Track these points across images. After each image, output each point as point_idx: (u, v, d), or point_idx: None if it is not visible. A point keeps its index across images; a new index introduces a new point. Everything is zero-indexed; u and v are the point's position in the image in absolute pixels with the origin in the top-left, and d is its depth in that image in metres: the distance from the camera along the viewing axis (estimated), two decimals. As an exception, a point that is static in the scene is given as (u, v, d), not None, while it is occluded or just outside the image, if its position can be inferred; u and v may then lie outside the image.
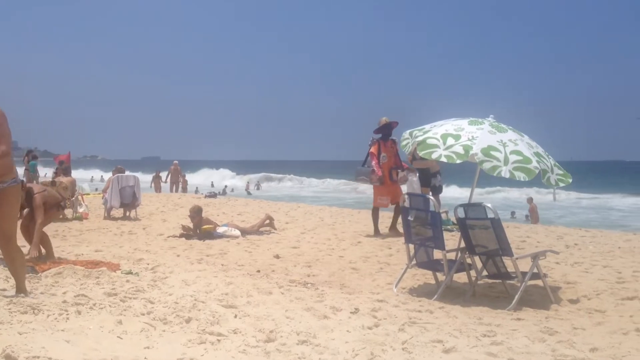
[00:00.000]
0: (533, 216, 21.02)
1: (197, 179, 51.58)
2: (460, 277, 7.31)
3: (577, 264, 8.63)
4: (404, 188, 11.75)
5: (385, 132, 11.31)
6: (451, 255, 6.99)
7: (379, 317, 5.50)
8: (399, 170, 11.43)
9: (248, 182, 54.88)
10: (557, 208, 32.64)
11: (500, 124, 6.96)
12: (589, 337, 5.18)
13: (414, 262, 7.09)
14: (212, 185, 46.36)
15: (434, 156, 6.68)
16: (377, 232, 11.27)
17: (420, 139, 6.86)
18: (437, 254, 6.98)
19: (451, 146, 6.55)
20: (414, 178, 11.82)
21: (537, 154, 6.70)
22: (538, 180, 6.68)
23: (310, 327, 4.98)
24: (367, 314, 5.60)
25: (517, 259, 6.52)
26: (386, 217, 12.12)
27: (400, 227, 10.79)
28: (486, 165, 6.39)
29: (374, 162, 11.08)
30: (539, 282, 6.83)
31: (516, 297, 6.33)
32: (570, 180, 6.99)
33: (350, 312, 5.60)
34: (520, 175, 6.34)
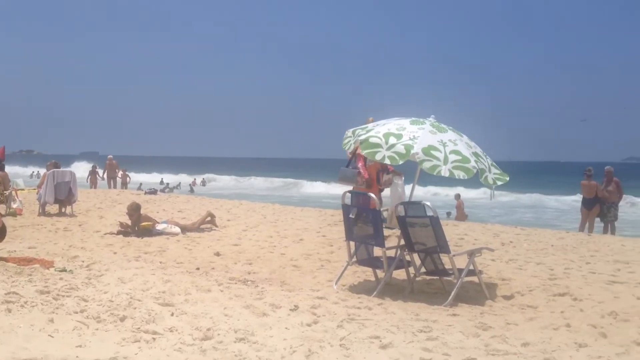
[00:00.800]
0: (459, 212, 21.22)
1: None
2: (400, 274, 7.41)
3: (511, 261, 8.87)
4: (387, 191, 11.20)
5: None
6: (391, 253, 7.08)
7: (318, 314, 5.53)
8: (385, 173, 10.82)
9: (195, 179, 54.19)
10: (495, 207, 33.43)
11: (440, 124, 7.09)
12: (521, 332, 5.33)
13: (354, 259, 7.15)
14: (162, 183, 45.40)
15: (377, 157, 6.75)
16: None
17: (362, 137, 6.91)
18: (377, 251, 7.05)
19: (393, 145, 6.62)
20: (399, 181, 11.20)
21: (475, 154, 6.85)
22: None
23: (248, 324, 4.97)
24: (307, 311, 5.62)
25: (454, 256, 6.65)
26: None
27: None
28: (426, 165, 6.50)
29: (360, 164, 10.44)
30: (475, 279, 6.99)
31: (452, 293, 6.46)
32: (508, 179, 7.17)
33: (290, 310, 5.60)
34: (460, 174, 6.47)
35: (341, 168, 10.68)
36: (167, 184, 43.71)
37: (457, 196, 22.40)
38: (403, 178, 11.18)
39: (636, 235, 15.33)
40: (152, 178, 52.53)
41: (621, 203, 16.41)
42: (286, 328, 4.93)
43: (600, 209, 15.62)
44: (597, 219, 15.85)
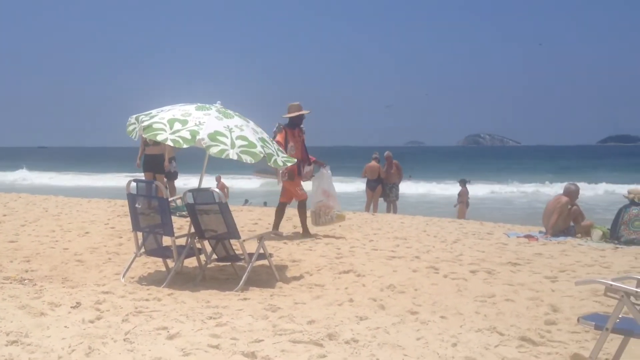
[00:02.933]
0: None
1: None
2: (191, 262, 7.30)
3: (302, 243, 9.18)
4: (308, 185, 10.29)
5: (296, 120, 9.82)
6: (181, 241, 6.94)
7: (103, 309, 5.27)
8: (306, 164, 9.93)
9: None
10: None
11: (227, 110, 7.05)
12: (308, 310, 5.51)
13: (142, 250, 6.90)
14: None
15: (159, 138, 6.49)
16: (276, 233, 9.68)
17: (146, 123, 6.63)
18: (167, 241, 6.88)
19: (178, 131, 6.44)
20: (324, 170, 10.12)
21: (262, 139, 6.91)
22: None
23: (22, 326, 4.61)
24: (90, 307, 5.33)
25: (244, 241, 6.68)
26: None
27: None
28: (213, 150, 6.41)
29: None
30: (267, 262, 7.09)
31: (243, 278, 6.48)
32: (295, 160, 7.36)
33: (71, 307, 5.29)
34: (247, 158, 6.49)
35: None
36: None
37: (218, 178, 21.46)
38: (329, 169, 10.23)
39: (415, 213, 16.68)
40: None
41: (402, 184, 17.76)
42: (65, 327, 4.63)
43: (383, 190, 16.77)
44: (381, 199, 17.02)
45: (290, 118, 9.78)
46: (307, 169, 9.93)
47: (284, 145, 9.47)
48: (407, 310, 5.60)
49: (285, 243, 9.06)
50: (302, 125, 9.91)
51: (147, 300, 5.77)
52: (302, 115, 9.85)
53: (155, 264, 7.48)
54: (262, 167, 9.50)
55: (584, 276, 7.12)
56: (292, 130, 9.77)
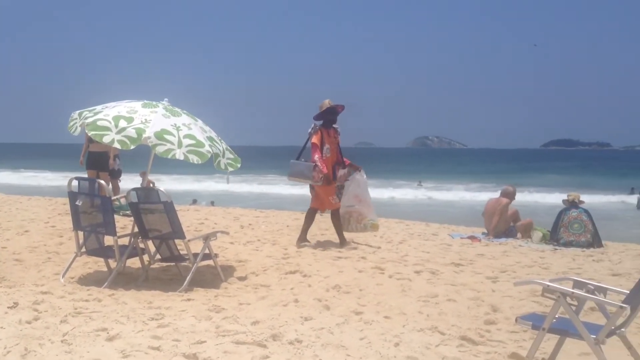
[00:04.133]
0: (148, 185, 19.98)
1: None
2: (134, 263, 7.18)
3: (249, 243, 9.14)
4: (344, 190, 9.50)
5: (329, 118, 9.17)
6: (124, 241, 6.81)
7: (41, 310, 5.13)
8: (340, 167, 9.35)
9: None
10: (236, 194, 34.22)
11: (174, 108, 6.94)
12: (252, 311, 5.49)
13: (83, 249, 6.75)
14: None
15: (105, 140, 6.34)
16: (303, 239, 9.30)
17: (90, 120, 6.48)
18: (109, 240, 6.74)
19: (124, 129, 6.31)
20: (358, 176, 9.46)
21: (210, 138, 6.84)
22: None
23: (-44, 327, 4.43)
24: (28, 307, 5.19)
25: (189, 241, 6.61)
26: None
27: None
28: (160, 149, 6.31)
29: (317, 156, 8.90)
30: (212, 263, 7.03)
31: (187, 278, 6.41)
32: (239, 165, 7.27)
33: (8, 307, 5.14)
34: (194, 158, 6.40)
35: (291, 161, 9.10)
36: None
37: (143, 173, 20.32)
38: (364, 173, 9.62)
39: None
40: None
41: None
42: (1, 327, 4.50)
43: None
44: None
45: (324, 117, 9.14)
46: (341, 172, 9.35)
47: (320, 147, 8.98)
48: (351, 310, 5.63)
49: (232, 243, 8.99)
50: (336, 125, 9.31)
51: (87, 301, 5.65)
52: (335, 110, 9.16)
53: (97, 264, 7.33)
54: (295, 171, 9.09)
55: (524, 277, 7.31)
56: (327, 130, 9.15)
